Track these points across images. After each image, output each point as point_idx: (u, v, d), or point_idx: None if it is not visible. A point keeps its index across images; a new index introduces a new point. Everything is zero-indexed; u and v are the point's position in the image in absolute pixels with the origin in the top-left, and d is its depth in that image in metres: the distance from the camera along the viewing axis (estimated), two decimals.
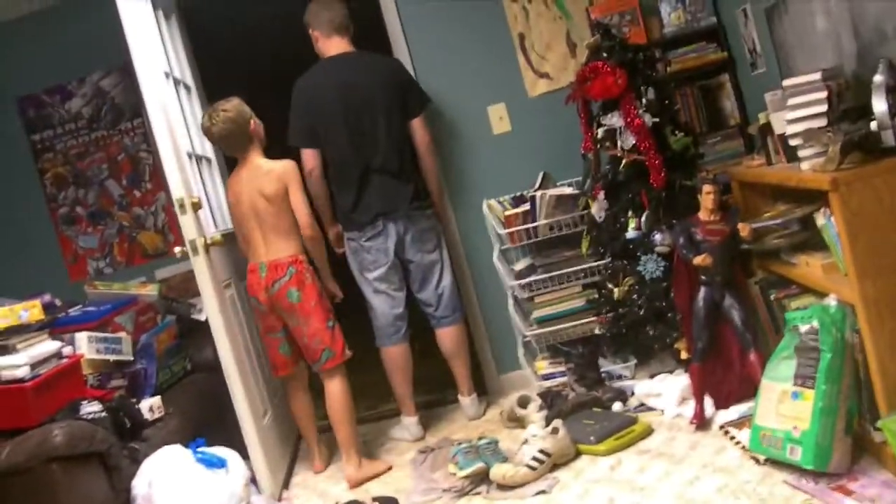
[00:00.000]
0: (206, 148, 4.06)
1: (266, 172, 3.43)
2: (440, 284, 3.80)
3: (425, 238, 3.75)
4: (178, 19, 4.17)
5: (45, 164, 4.58)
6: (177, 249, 3.40)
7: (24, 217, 4.57)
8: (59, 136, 4.57)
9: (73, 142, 4.57)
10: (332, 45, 3.74)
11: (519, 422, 3.50)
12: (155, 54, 3.49)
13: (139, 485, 2.73)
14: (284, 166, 3.43)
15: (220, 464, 2.72)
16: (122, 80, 4.47)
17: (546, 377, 3.81)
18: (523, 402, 3.55)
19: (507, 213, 3.85)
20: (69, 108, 4.55)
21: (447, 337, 3.80)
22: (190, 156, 3.68)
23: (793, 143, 2.65)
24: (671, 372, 3.40)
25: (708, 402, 3.08)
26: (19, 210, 4.57)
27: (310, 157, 3.68)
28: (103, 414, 2.98)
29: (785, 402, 2.51)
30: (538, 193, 3.76)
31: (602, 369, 3.63)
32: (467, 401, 3.87)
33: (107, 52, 4.22)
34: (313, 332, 3.41)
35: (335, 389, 3.47)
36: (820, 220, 2.54)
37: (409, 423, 3.79)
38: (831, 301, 2.47)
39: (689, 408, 3.10)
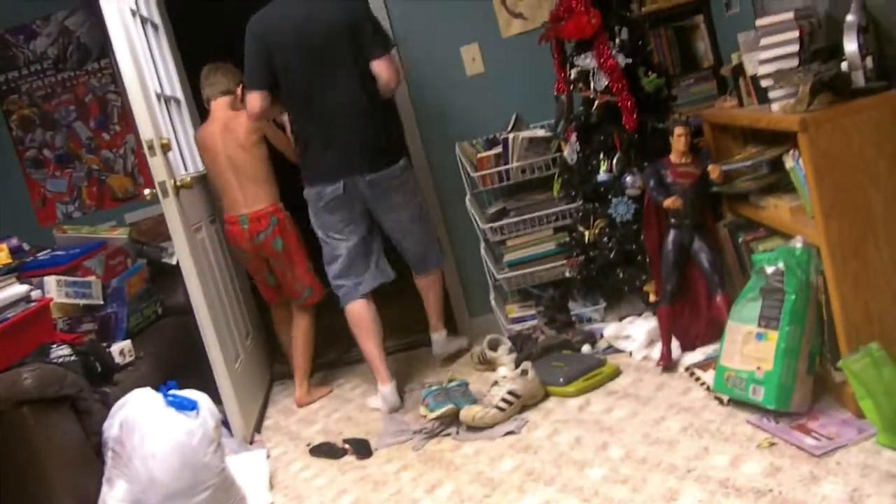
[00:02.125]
0: (176, 89, 4.00)
1: (241, 123, 3.58)
2: (414, 238, 3.58)
3: (394, 196, 3.45)
4: None
5: (10, 106, 4.49)
6: (146, 192, 3.38)
7: None
8: (25, 77, 4.47)
9: (38, 83, 4.47)
10: None
11: (489, 364, 3.54)
12: None
13: (110, 427, 2.73)
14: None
15: (190, 406, 2.72)
16: (88, 19, 4.36)
17: (517, 320, 3.84)
18: (493, 345, 3.58)
19: (480, 155, 3.83)
20: (34, 48, 4.45)
21: (420, 280, 3.76)
22: (159, 96, 3.62)
23: (764, 84, 2.64)
24: (640, 314, 3.43)
25: (675, 344, 3.12)
26: None
27: (256, 98, 3.34)
28: (73, 358, 2.96)
29: (749, 343, 2.54)
30: (510, 136, 3.74)
31: (572, 312, 3.66)
32: (435, 336, 3.82)
33: None
34: (297, 275, 3.72)
35: (304, 323, 3.79)
36: (789, 162, 2.54)
37: (385, 392, 3.46)
38: (797, 243, 2.49)
39: (657, 350, 3.15)
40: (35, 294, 3.13)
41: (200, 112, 4.05)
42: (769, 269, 2.53)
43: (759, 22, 2.66)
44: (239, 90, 3.65)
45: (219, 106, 3.67)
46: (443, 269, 3.86)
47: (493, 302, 3.96)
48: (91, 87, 4.46)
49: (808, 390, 2.47)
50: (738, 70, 3.01)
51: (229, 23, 3.92)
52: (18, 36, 4.43)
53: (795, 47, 2.50)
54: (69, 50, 4.44)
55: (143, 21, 3.72)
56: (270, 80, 3.34)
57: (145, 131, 3.24)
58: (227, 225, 3.70)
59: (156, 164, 3.26)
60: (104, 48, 4.31)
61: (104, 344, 3.23)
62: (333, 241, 3.47)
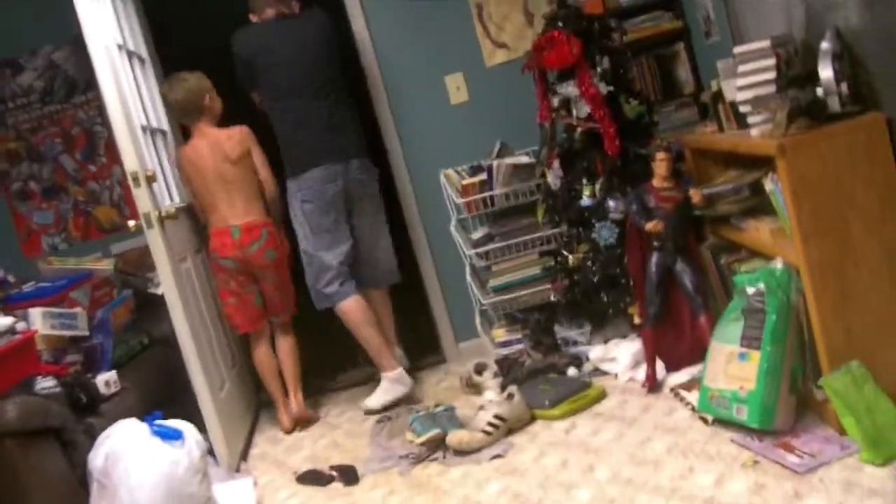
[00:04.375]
0: (162, 121, 4.02)
1: (227, 138, 3.65)
2: (382, 247, 3.88)
3: (372, 199, 3.80)
4: None
5: None
6: (131, 223, 3.38)
7: None
8: (11, 111, 4.48)
9: (25, 116, 4.48)
10: (268, 14, 3.75)
11: (475, 388, 3.54)
12: (106, 25, 3.42)
13: (95, 458, 2.72)
14: (242, 130, 3.68)
15: (176, 436, 2.71)
16: (74, 53, 4.37)
17: (503, 344, 3.86)
18: (480, 369, 3.59)
19: (465, 182, 3.86)
20: (21, 82, 4.46)
21: (379, 294, 3.91)
22: (144, 129, 3.64)
23: (743, 109, 2.69)
24: (625, 337, 3.45)
25: (660, 366, 3.14)
26: None
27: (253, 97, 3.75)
28: (58, 389, 2.96)
29: (732, 363, 2.56)
30: (495, 162, 3.78)
31: (557, 335, 3.68)
32: (397, 351, 3.94)
33: (59, 25, 4.13)
34: (282, 285, 3.76)
35: (290, 341, 3.82)
36: (768, 185, 2.58)
37: (395, 376, 3.67)
38: (777, 264, 2.52)
39: (642, 371, 3.16)
40: (20, 326, 3.11)
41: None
42: (750, 290, 2.56)
43: (737, 49, 2.71)
44: (208, 99, 3.68)
45: (201, 127, 3.69)
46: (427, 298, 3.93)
47: (478, 326, 3.98)
48: (78, 119, 4.47)
49: (791, 409, 2.49)
50: (718, 96, 3.06)
51: (213, 56, 3.95)
52: (5, 70, 4.45)
53: (772, 74, 2.55)
54: (56, 83, 4.46)
55: (129, 55, 3.75)
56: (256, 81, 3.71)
57: (130, 163, 3.25)
58: (215, 238, 3.64)
59: (141, 195, 3.26)
60: (90, 81, 4.33)
61: (89, 375, 3.21)
62: (324, 249, 3.64)
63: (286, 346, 3.81)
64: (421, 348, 4.24)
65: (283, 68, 3.65)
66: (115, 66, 3.35)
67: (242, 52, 3.69)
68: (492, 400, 3.08)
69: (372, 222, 3.82)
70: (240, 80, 3.75)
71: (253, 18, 3.78)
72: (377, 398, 3.68)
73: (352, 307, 3.65)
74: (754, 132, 2.60)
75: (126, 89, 3.45)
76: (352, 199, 3.72)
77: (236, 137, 3.66)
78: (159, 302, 3.55)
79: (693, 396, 2.81)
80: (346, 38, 4.04)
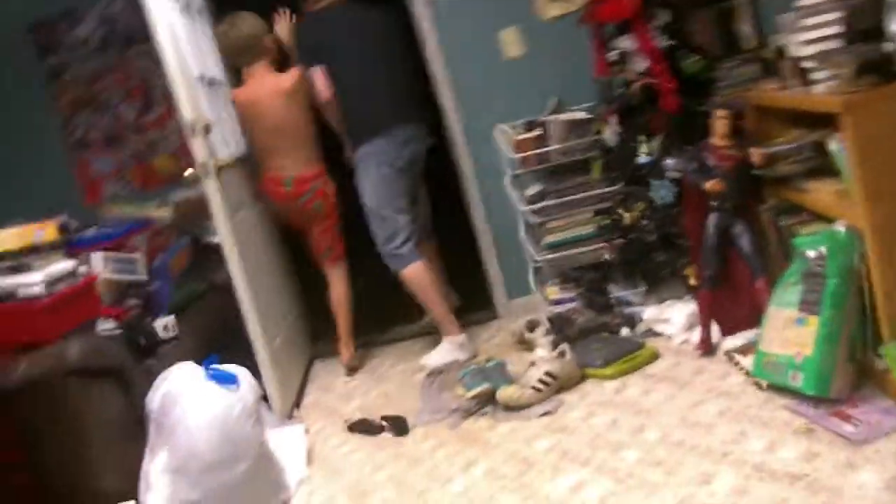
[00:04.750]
0: (218, 70, 4.04)
1: (285, 77, 3.71)
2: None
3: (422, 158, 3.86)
4: None
5: (59, 89, 4.58)
6: (187, 172, 3.41)
7: (39, 141, 4.59)
8: (72, 61, 4.55)
9: (85, 66, 4.55)
10: (322, 4, 3.76)
11: (527, 345, 3.54)
12: None
13: (153, 400, 2.79)
14: (298, 72, 3.72)
15: (231, 380, 2.77)
16: (130, 4, 4.41)
17: (556, 302, 3.83)
18: (532, 326, 3.58)
19: (518, 137, 3.82)
20: (79, 34, 4.52)
21: (432, 246, 4.06)
22: (200, 78, 3.66)
23: (807, 65, 2.60)
24: (680, 298, 3.41)
25: (715, 329, 3.10)
26: (35, 134, 4.58)
27: (321, 77, 3.66)
28: (118, 332, 3.05)
29: (789, 328, 2.51)
30: (550, 118, 3.73)
31: (611, 295, 3.65)
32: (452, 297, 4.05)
33: None
34: (325, 231, 3.89)
35: (340, 288, 3.93)
36: (832, 144, 2.50)
37: (460, 341, 3.70)
38: (840, 227, 2.46)
39: (696, 334, 3.13)
40: (82, 269, 3.20)
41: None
42: (811, 253, 2.50)
43: (801, 2, 2.62)
44: (267, 40, 3.73)
45: (259, 70, 3.73)
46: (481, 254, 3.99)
47: (532, 283, 3.96)
48: (135, 69, 4.52)
49: (849, 377, 2.44)
50: (781, 52, 2.96)
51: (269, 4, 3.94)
52: (63, 21, 4.51)
53: (838, 28, 2.46)
54: (114, 34, 4.50)
55: (184, 4, 3.76)
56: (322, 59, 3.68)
57: (186, 113, 3.28)
58: (268, 183, 3.79)
59: (197, 145, 3.29)
60: (147, 31, 4.35)
61: (148, 319, 3.30)
62: (396, 211, 3.68)
63: (337, 293, 3.93)
64: (473, 303, 4.24)
65: (346, 50, 3.68)
66: (170, 15, 3.37)
67: (304, 42, 3.73)
68: (543, 357, 3.08)
69: (420, 181, 3.92)
70: (301, 59, 3.75)
71: (308, 8, 3.78)
72: (437, 357, 3.68)
73: (420, 269, 3.68)
74: (818, 89, 2.52)
75: (181, 39, 3.47)
76: (417, 162, 3.78)
77: (294, 77, 3.70)
78: (217, 249, 3.61)
79: (748, 361, 2.77)
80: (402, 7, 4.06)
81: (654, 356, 3.16)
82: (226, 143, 3.87)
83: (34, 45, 4.55)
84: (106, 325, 3.06)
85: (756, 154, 2.92)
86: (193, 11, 3.89)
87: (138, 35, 4.42)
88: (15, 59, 4.55)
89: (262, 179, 3.82)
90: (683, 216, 3.22)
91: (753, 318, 2.97)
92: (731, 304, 3.11)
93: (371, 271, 3.98)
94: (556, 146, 3.73)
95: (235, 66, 3.86)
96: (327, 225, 3.88)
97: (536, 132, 3.78)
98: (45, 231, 3.15)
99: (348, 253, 4.00)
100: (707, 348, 3.05)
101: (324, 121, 3.82)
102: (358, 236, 3.89)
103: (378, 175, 3.67)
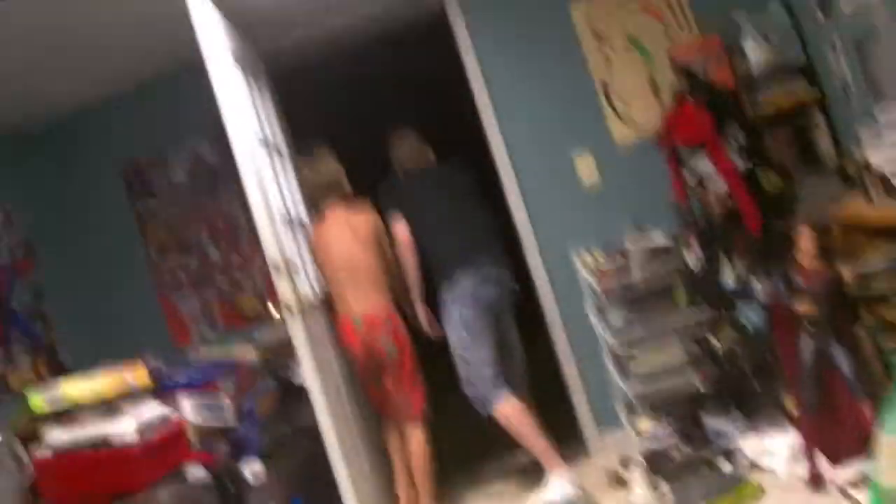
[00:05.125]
0: (301, 210, 4.16)
1: (357, 216, 3.74)
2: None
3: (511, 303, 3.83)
4: (268, 83, 4.30)
5: (149, 231, 4.75)
6: (273, 311, 3.45)
7: (131, 283, 4.74)
8: (162, 204, 4.73)
9: (174, 209, 4.71)
10: (408, 166, 4.00)
11: (623, 484, 3.40)
12: (247, 120, 3.57)
13: None
14: (369, 211, 3.79)
15: None
16: (218, 147, 4.59)
17: (649, 436, 3.68)
18: (626, 463, 3.45)
19: (600, 266, 3.79)
20: (170, 177, 4.72)
21: (521, 398, 3.78)
22: (285, 219, 3.77)
23: (893, 178, 2.55)
24: (780, 427, 3.26)
25: (821, 459, 2.94)
26: (124, 276, 4.74)
27: (402, 225, 3.76)
28: (208, 479, 3.05)
29: None
30: (630, 245, 3.71)
31: (707, 426, 3.50)
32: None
33: (204, 121, 4.37)
34: (405, 379, 3.65)
35: (419, 438, 3.67)
36: None
37: (568, 474, 3.55)
38: None
39: (801, 465, 2.97)
40: (172, 415, 3.24)
41: None
42: None
43: (883, 116, 2.59)
44: (344, 179, 3.84)
45: (336, 209, 3.80)
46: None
47: (622, 416, 3.85)
48: (222, 211, 4.67)
49: None
50: (864, 165, 2.92)
51: (348, 148, 4.10)
52: (156, 166, 4.72)
53: None
54: (201, 177, 4.69)
55: (269, 147, 3.91)
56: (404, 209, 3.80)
57: (272, 253, 3.34)
58: (340, 326, 3.70)
59: (281, 284, 3.34)
60: (233, 173, 4.51)
61: (236, 464, 3.30)
62: (479, 351, 3.61)
63: (415, 443, 3.68)
64: (561, 439, 4.12)
65: (429, 199, 3.83)
66: (256, 158, 3.49)
67: (388, 193, 3.86)
68: (642, 497, 2.95)
69: (510, 325, 3.85)
70: (384, 206, 3.87)
71: (394, 169, 4.00)
72: (552, 494, 3.53)
73: (513, 407, 3.57)
74: None
75: (267, 180, 3.58)
76: (501, 304, 3.75)
77: (364, 218, 3.75)
78: (302, 390, 3.62)
79: (863, 495, 2.61)
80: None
81: (759, 492, 2.99)
82: (310, 282, 3.94)
83: (125, 188, 4.75)
84: (196, 471, 3.07)
85: (847, 272, 2.83)
86: (277, 154, 4.04)
87: (225, 176, 4.62)
88: (108, 201, 4.75)
89: (337, 324, 3.76)
90: (776, 340, 3.12)
91: (861, 445, 2.82)
92: (835, 431, 2.96)
93: (455, 405, 3.85)
94: (639, 274, 3.68)
95: (315, 205, 3.95)
96: (405, 372, 3.66)
97: (617, 260, 3.76)
98: (137, 377, 3.22)
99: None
100: (816, 481, 2.89)
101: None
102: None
103: (460, 315, 3.65)
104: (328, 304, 3.89)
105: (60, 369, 4.38)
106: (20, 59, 3.76)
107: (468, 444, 4.35)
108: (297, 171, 4.03)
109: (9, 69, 3.82)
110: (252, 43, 4.12)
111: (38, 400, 3.19)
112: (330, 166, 3.83)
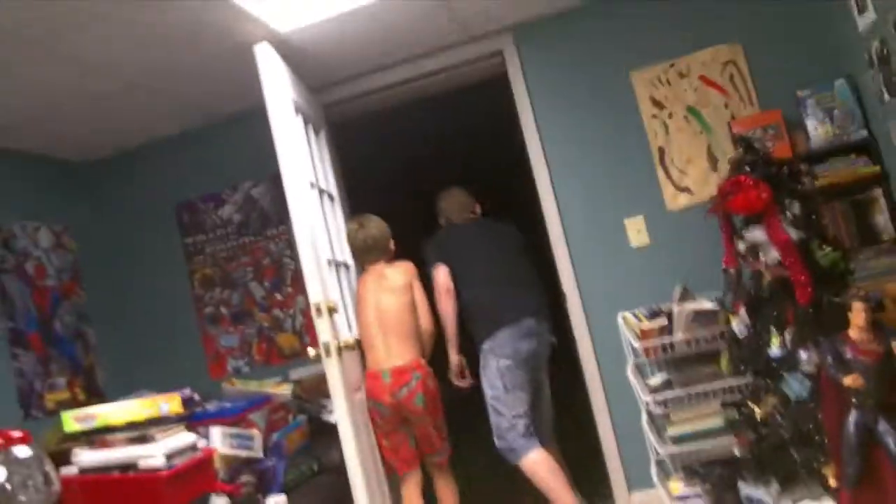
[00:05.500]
0: (346, 255, 4.19)
1: (392, 268, 3.75)
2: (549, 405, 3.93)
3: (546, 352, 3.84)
4: (327, 134, 4.38)
5: (195, 266, 4.83)
6: (310, 351, 3.46)
7: (173, 315, 4.80)
8: (210, 240, 4.81)
9: (222, 245, 4.80)
10: (455, 219, 4.07)
11: None
12: (303, 166, 3.64)
13: None
14: (407, 263, 3.79)
15: None
16: (270, 189, 4.69)
17: (681, 498, 3.60)
18: None
19: (643, 326, 3.75)
20: (221, 215, 4.81)
21: (551, 450, 3.78)
22: (330, 262, 3.79)
23: None
24: (817, 499, 3.14)
25: None
26: (167, 306, 4.82)
27: (443, 272, 3.78)
28: None
29: None
30: (676, 307, 3.66)
31: (742, 493, 3.40)
32: None
33: (258, 163, 4.50)
34: (435, 427, 3.65)
35: (450, 484, 3.71)
36: None
37: None
38: None
39: None
40: (201, 443, 3.23)
41: None
42: None
43: None
44: (391, 242, 3.85)
45: (377, 266, 3.81)
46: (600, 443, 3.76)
47: (655, 477, 3.75)
48: (269, 250, 4.73)
49: None
50: None
51: (397, 193, 4.14)
52: (209, 203, 4.82)
53: None
54: (252, 216, 4.77)
55: (321, 192, 3.96)
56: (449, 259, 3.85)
57: (314, 294, 3.37)
58: (368, 380, 3.62)
59: (322, 325, 3.35)
60: (283, 215, 4.60)
61: (260, 496, 3.27)
62: (513, 403, 3.59)
63: (446, 490, 3.71)
64: (590, 495, 4.04)
65: (474, 250, 3.87)
66: (307, 203, 3.54)
67: (434, 244, 3.91)
68: None
69: (544, 378, 3.86)
70: (429, 258, 3.91)
71: (441, 221, 4.08)
72: None
73: (539, 457, 3.54)
74: None
75: (316, 225, 3.62)
76: (539, 358, 3.76)
77: (402, 267, 3.77)
78: (332, 429, 3.60)
79: None
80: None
81: None
82: (349, 325, 3.95)
83: (178, 225, 4.86)
84: (220, 502, 3.05)
85: None
86: (328, 199, 4.09)
87: (275, 217, 4.70)
88: (158, 233, 4.85)
89: (365, 378, 3.69)
90: (820, 412, 3.02)
91: None
92: None
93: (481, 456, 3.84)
94: (682, 336, 3.63)
95: (359, 262, 3.95)
96: (434, 421, 3.64)
97: (661, 321, 3.71)
98: (170, 404, 3.22)
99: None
100: None
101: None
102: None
103: (498, 366, 3.63)
104: (362, 353, 3.88)
105: (96, 393, 4.43)
106: (98, 92, 3.88)
107: (495, 494, 4.26)
108: (347, 227, 4.06)
109: (86, 99, 3.94)
110: (314, 93, 4.23)
111: (72, 420, 3.22)
112: (376, 226, 3.84)
